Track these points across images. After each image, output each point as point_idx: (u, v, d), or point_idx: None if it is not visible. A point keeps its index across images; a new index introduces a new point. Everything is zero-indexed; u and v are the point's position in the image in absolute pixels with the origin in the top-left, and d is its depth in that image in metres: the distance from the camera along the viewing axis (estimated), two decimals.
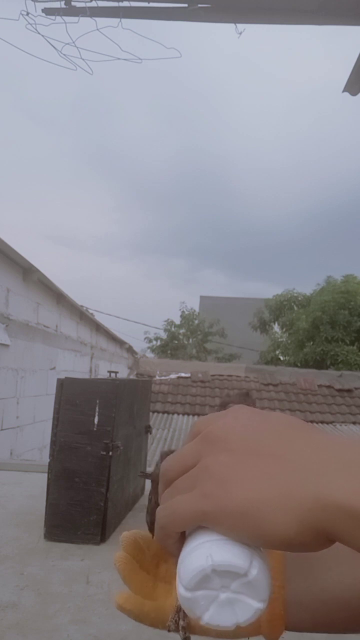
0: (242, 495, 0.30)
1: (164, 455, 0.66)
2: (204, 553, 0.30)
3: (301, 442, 0.31)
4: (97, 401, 1.90)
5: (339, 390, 10.82)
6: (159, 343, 20.05)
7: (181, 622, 0.46)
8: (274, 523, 0.29)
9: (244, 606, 0.31)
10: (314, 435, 0.31)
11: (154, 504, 0.55)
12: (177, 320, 20.53)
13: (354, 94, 3.03)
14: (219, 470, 0.32)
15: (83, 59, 3.08)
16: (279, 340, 18.54)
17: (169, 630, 0.46)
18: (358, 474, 0.28)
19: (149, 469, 2.54)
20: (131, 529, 0.66)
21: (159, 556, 0.54)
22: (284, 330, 18.07)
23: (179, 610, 0.47)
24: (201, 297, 28.33)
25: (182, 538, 0.35)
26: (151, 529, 0.55)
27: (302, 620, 0.47)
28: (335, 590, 0.47)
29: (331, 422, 9.54)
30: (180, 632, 0.46)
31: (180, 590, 0.31)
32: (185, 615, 0.46)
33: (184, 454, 0.36)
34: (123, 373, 10.55)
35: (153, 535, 0.53)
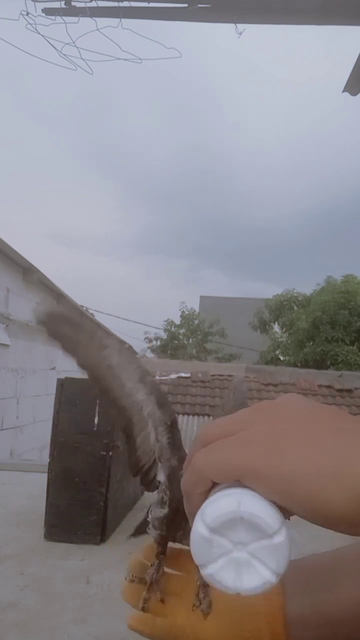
0: (296, 462, 0.29)
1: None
2: (236, 500, 0.29)
3: (357, 424, 0.31)
4: (97, 401, 1.90)
5: (339, 390, 10.82)
6: (159, 343, 20.05)
7: None
8: (326, 496, 0.28)
9: (254, 573, 0.29)
10: None
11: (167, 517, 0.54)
12: (177, 320, 20.54)
13: (354, 94, 3.03)
14: (274, 434, 0.31)
15: (83, 59, 3.08)
16: (279, 340, 18.53)
17: None
18: None
19: None
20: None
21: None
22: (284, 330, 18.07)
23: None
24: (201, 297, 28.33)
25: (209, 491, 0.33)
26: (159, 542, 0.55)
27: (305, 638, 0.48)
28: (338, 608, 0.47)
29: None
30: None
31: (200, 527, 0.29)
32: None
33: (232, 420, 0.34)
34: None
35: (160, 549, 0.54)
